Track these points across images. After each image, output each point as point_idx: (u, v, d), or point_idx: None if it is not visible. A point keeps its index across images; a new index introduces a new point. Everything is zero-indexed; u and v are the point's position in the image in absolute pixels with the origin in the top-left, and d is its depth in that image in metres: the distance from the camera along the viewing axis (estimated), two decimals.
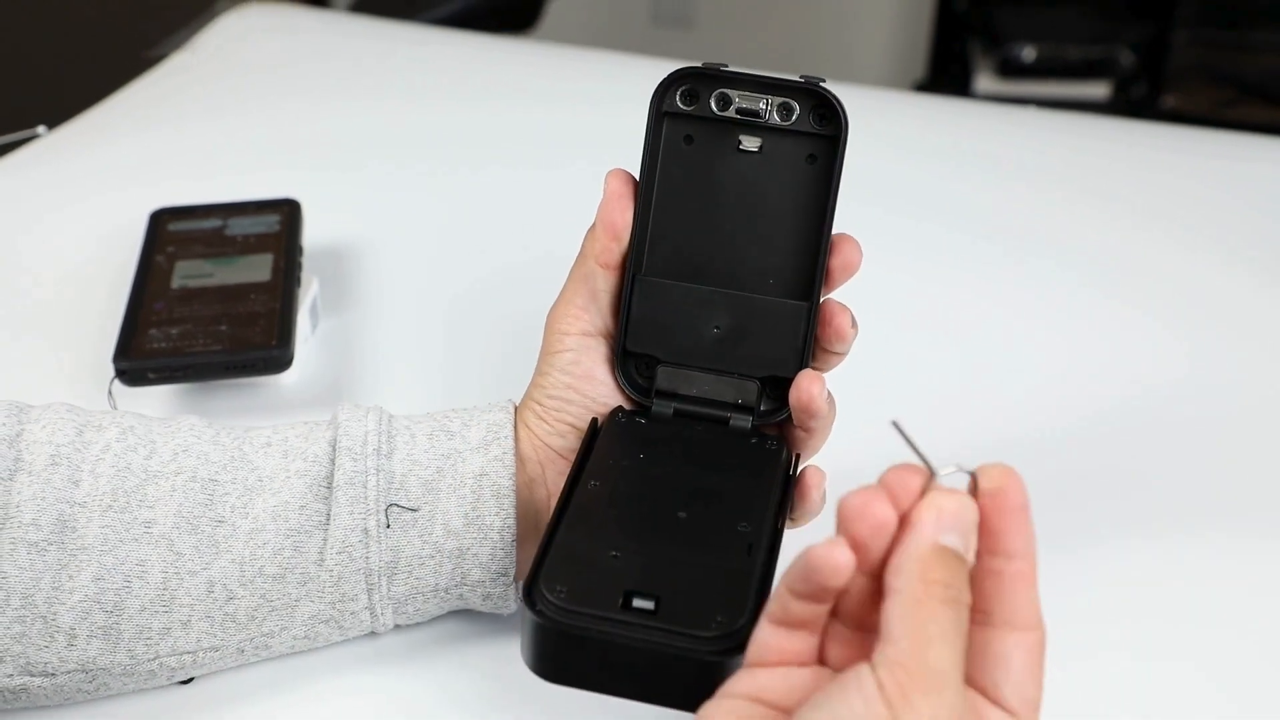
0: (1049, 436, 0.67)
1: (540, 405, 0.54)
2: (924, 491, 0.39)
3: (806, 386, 0.51)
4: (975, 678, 0.39)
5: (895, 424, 0.40)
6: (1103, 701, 0.53)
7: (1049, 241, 0.84)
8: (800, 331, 0.52)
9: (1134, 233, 0.85)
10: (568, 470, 0.52)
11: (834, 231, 0.52)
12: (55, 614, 0.48)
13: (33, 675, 0.49)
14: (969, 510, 0.39)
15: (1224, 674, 0.54)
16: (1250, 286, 0.80)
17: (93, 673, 0.49)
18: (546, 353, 0.54)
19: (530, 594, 0.44)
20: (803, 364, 0.52)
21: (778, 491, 0.50)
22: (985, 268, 0.82)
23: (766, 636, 0.40)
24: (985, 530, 0.39)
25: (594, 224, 0.53)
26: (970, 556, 0.39)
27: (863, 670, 0.36)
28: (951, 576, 0.38)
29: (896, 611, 0.37)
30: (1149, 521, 0.61)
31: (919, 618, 0.37)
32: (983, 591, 0.39)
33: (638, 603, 0.44)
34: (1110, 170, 0.93)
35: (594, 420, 0.53)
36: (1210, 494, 0.64)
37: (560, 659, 0.44)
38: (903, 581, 0.37)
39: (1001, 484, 0.39)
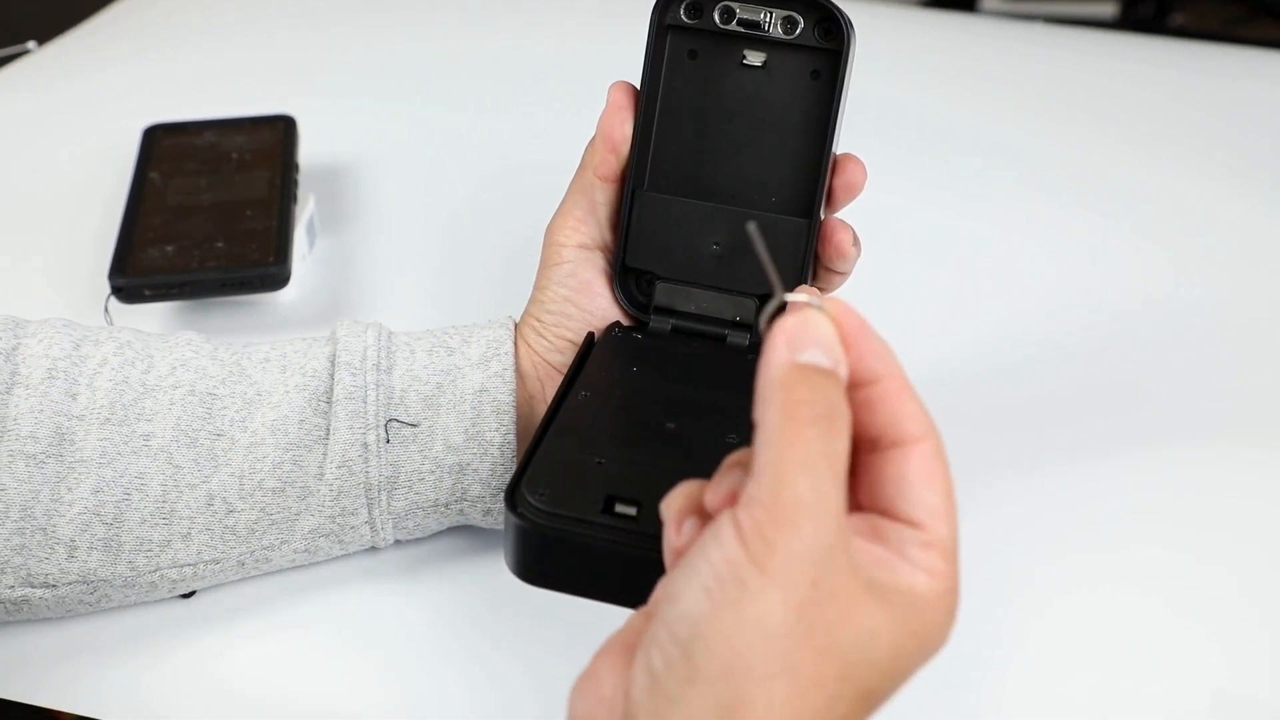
0: (1040, 354, 0.67)
1: (539, 321, 0.54)
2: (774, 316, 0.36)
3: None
4: (875, 502, 0.36)
5: (750, 229, 0.38)
6: (1098, 614, 0.53)
7: (1054, 161, 0.83)
8: (800, 249, 0.52)
9: (1140, 151, 0.84)
10: None
11: (840, 152, 0.51)
12: (55, 526, 0.48)
13: (34, 587, 0.49)
14: (821, 324, 0.36)
15: (1215, 586, 0.55)
16: (1256, 205, 0.79)
17: (93, 584, 0.50)
18: (545, 265, 0.54)
19: (512, 497, 0.44)
20: (802, 281, 0.52)
21: None
22: (989, 188, 0.81)
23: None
24: (847, 344, 0.36)
25: (594, 136, 0.52)
26: (841, 370, 0.36)
27: (723, 516, 0.34)
28: (815, 393, 0.34)
29: (760, 443, 0.34)
30: (1138, 436, 0.61)
31: (780, 447, 0.34)
32: (863, 424, 0.36)
33: (619, 508, 0.44)
34: (1117, 88, 0.92)
35: (590, 335, 0.53)
36: (1200, 408, 0.64)
37: (541, 562, 0.44)
38: (764, 411, 0.34)
39: (835, 312, 0.36)
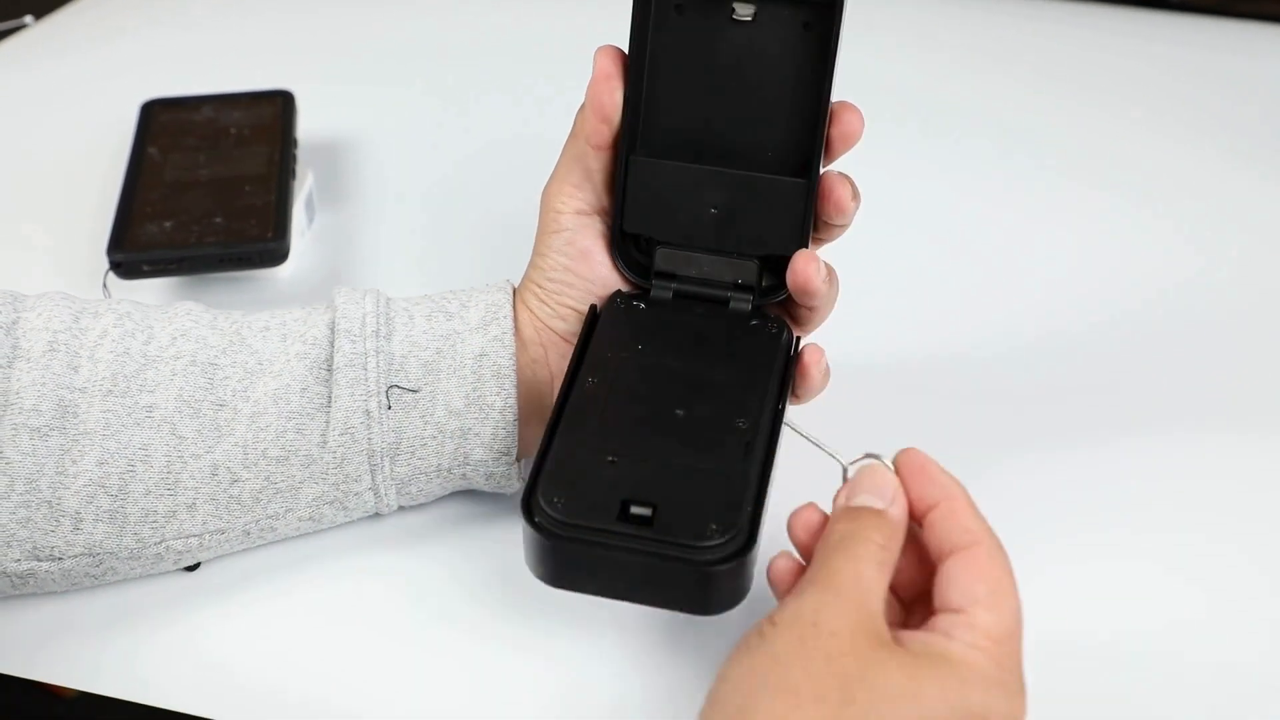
0: (1057, 339, 0.66)
1: (540, 288, 0.53)
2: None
3: (802, 268, 0.50)
4: (934, 602, 0.42)
5: (789, 424, 0.47)
6: (1127, 591, 0.54)
7: (1053, 138, 0.83)
8: (800, 209, 0.51)
9: (1140, 128, 0.84)
10: (569, 354, 0.52)
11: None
12: (60, 499, 0.48)
13: (40, 560, 0.49)
14: (873, 472, 0.45)
15: (1235, 566, 0.55)
16: (1260, 184, 0.79)
17: (99, 556, 0.50)
18: (543, 232, 0.53)
19: (529, 505, 0.44)
20: (803, 242, 0.51)
21: (776, 381, 0.49)
22: (987, 166, 0.80)
23: None
24: (909, 494, 0.44)
25: (584, 103, 0.52)
26: (894, 510, 0.44)
27: None
28: (856, 523, 0.43)
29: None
30: (1159, 422, 0.61)
31: (818, 559, 0.42)
32: (933, 542, 0.43)
33: (635, 510, 0.44)
34: (1116, 63, 0.92)
35: (593, 307, 0.52)
36: (1220, 394, 0.63)
37: (561, 569, 0.45)
38: (821, 544, 0.43)
39: (901, 459, 0.45)
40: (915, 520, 0.44)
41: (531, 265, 0.54)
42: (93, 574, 0.51)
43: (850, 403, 0.55)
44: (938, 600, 0.42)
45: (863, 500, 0.44)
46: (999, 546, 0.43)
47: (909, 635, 0.41)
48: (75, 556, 0.49)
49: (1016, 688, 0.40)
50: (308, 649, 0.52)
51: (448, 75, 0.88)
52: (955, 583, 0.42)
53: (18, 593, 0.51)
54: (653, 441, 0.46)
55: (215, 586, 0.53)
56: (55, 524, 0.49)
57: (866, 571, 0.41)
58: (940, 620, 0.41)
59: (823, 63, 0.49)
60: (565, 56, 0.83)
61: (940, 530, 0.43)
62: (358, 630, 0.52)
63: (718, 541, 0.43)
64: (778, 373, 0.49)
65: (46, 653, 0.51)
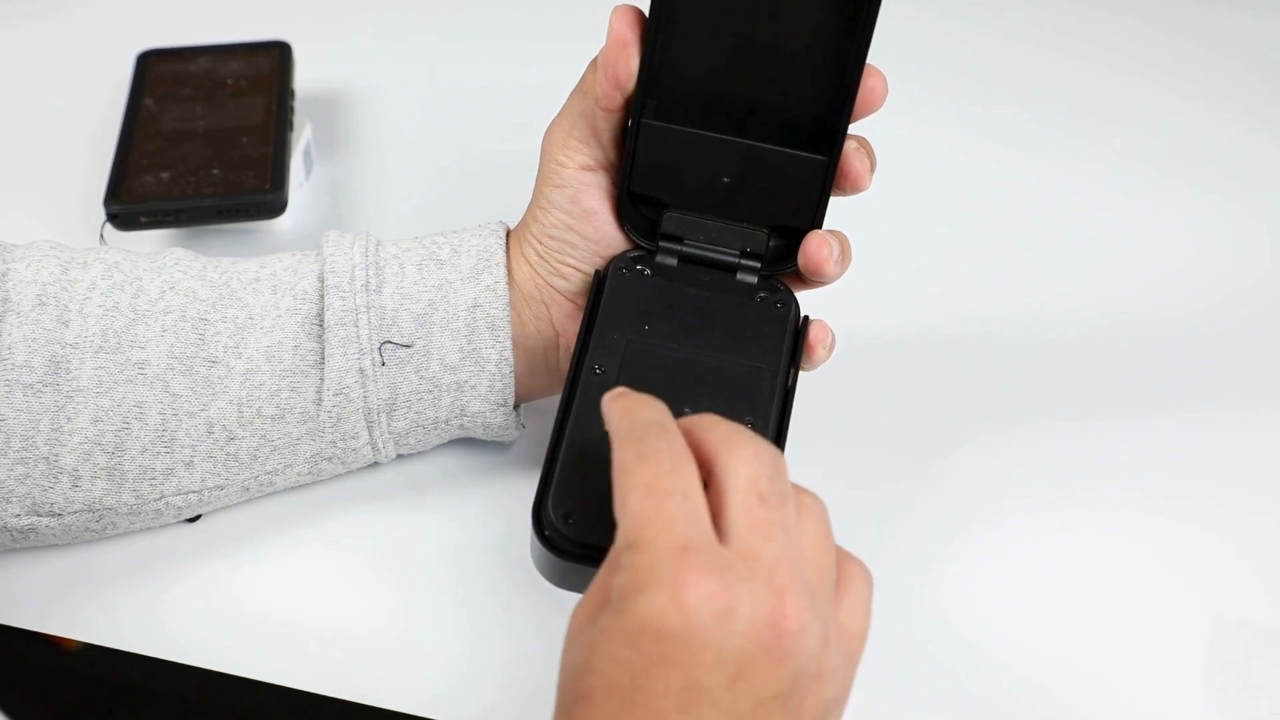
0: (1076, 320, 0.65)
1: (540, 244, 0.52)
2: None
3: (814, 250, 0.49)
4: None
5: None
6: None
7: (1107, 117, 0.79)
8: (817, 187, 0.49)
9: (1176, 98, 0.80)
10: (573, 311, 0.51)
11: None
12: (57, 456, 0.48)
13: (40, 515, 0.49)
14: None
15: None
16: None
17: (99, 512, 0.50)
18: (544, 183, 0.51)
19: (538, 516, 0.44)
20: (817, 221, 0.49)
21: (784, 367, 0.48)
22: (1041, 145, 0.77)
23: None
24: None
25: (596, 59, 0.49)
26: None
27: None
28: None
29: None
30: (1227, 423, 0.61)
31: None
32: None
33: None
34: (1166, 39, 0.87)
35: (597, 274, 0.51)
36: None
37: (568, 579, 0.44)
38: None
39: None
40: None
41: (530, 215, 0.52)
42: (93, 528, 0.51)
43: (857, 376, 0.54)
44: None
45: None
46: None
47: None
48: (75, 512, 0.49)
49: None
50: (312, 600, 0.52)
51: (446, 25, 0.87)
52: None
53: (18, 547, 0.51)
54: None
55: (218, 538, 0.53)
56: (54, 481, 0.49)
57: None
58: None
59: (855, 33, 0.46)
60: (569, 4, 0.82)
61: None
62: (361, 581, 0.53)
63: None
64: (786, 356, 0.48)
65: (51, 605, 0.52)
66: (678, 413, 0.45)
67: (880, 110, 0.48)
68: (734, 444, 0.38)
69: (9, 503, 0.49)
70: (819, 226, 0.50)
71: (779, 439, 0.46)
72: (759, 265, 0.51)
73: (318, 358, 0.51)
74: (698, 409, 0.45)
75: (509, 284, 0.52)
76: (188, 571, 0.52)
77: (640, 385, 0.46)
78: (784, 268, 0.51)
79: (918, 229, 0.70)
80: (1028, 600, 0.53)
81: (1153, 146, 0.76)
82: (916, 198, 0.71)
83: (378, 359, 0.51)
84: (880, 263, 0.59)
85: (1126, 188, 0.74)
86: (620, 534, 0.37)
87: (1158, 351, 0.64)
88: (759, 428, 0.46)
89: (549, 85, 0.56)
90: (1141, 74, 0.82)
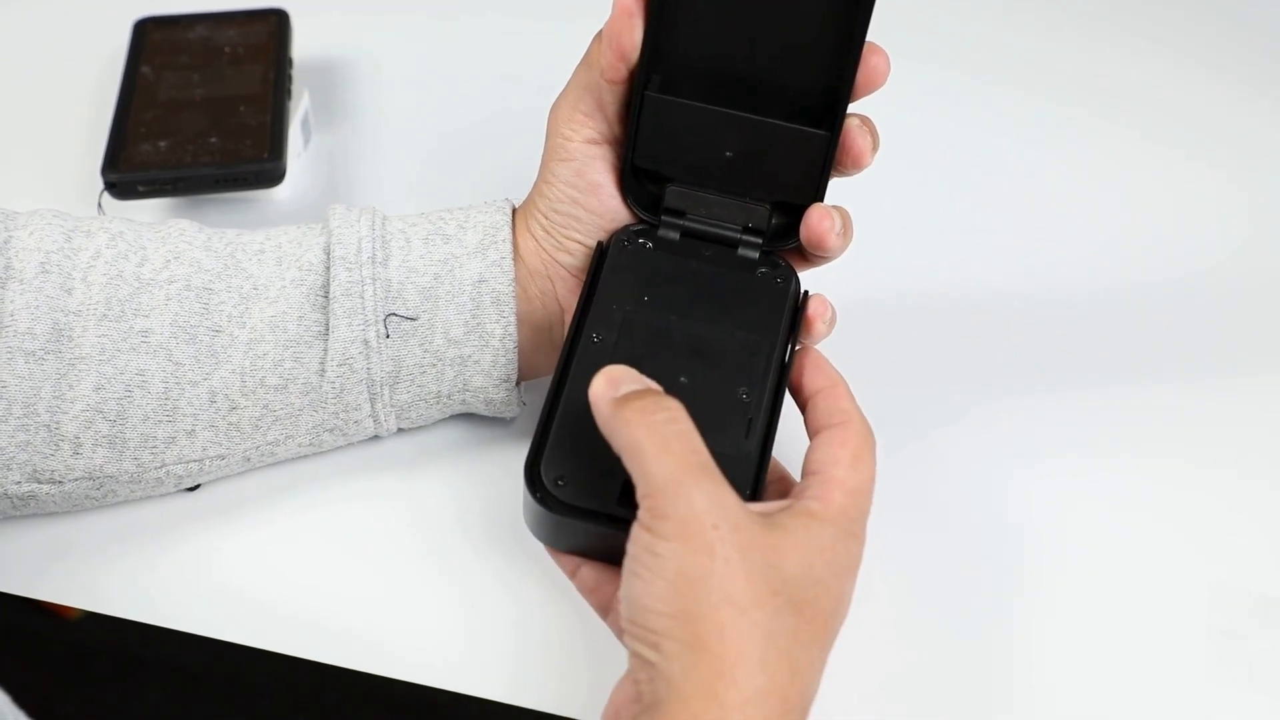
0: (1096, 309, 0.65)
1: (545, 218, 0.52)
2: None
3: (816, 223, 0.49)
4: (802, 469, 0.45)
5: None
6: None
7: (1103, 89, 0.79)
8: (819, 162, 0.49)
9: (1181, 73, 0.80)
10: (578, 286, 0.51)
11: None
12: (59, 423, 0.48)
13: (40, 482, 0.49)
14: (615, 371, 0.43)
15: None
16: None
17: (99, 480, 0.50)
18: (550, 158, 0.51)
19: (532, 476, 0.44)
20: (819, 195, 0.50)
21: (781, 341, 0.48)
22: (1037, 116, 0.77)
23: None
24: (803, 382, 0.47)
25: (601, 31, 0.49)
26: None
27: (634, 526, 0.40)
28: (638, 402, 0.42)
29: (625, 461, 0.41)
30: (1217, 389, 0.61)
31: (635, 453, 0.41)
32: (811, 418, 0.46)
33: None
34: (1165, 10, 0.86)
35: (599, 246, 0.51)
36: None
37: (560, 538, 0.46)
38: (615, 442, 0.42)
39: (801, 352, 0.48)
40: (801, 403, 0.47)
41: (537, 190, 0.52)
42: (94, 496, 0.51)
43: (854, 348, 0.54)
44: (805, 466, 0.44)
45: (627, 387, 0.43)
46: (867, 427, 0.45)
47: (774, 509, 0.42)
48: (75, 480, 0.49)
49: (858, 534, 0.43)
50: (310, 569, 0.52)
51: None
52: (822, 450, 0.44)
53: (19, 514, 0.51)
54: None
55: (218, 507, 0.53)
56: (55, 448, 0.49)
57: (695, 454, 0.41)
58: (800, 485, 0.44)
59: (858, 6, 0.46)
60: None
61: (820, 410, 0.46)
62: (359, 551, 0.53)
63: None
64: (784, 330, 0.49)
65: (51, 573, 0.52)
66: (672, 381, 0.46)
67: (862, 99, 0.48)
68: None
69: (9, 469, 0.49)
70: (820, 201, 0.50)
71: (774, 411, 0.46)
72: (760, 241, 0.51)
73: (322, 329, 0.51)
74: (693, 379, 0.46)
75: (515, 259, 0.52)
76: (185, 539, 0.53)
77: (637, 354, 0.47)
78: (785, 244, 0.51)
79: (913, 202, 0.70)
80: (1027, 566, 0.53)
81: (1151, 118, 0.76)
82: (912, 171, 0.71)
83: (382, 331, 0.51)
84: (876, 235, 0.59)
85: (1124, 159, 0.74)
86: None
87: (1156, 318, 0.64)
88: (754, 399, 0.46)
89: (549, 54, 0.56)
90: (1140, 46, 0.82)
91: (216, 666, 0.50)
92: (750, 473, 0.45)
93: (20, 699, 0.41)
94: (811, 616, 0.40)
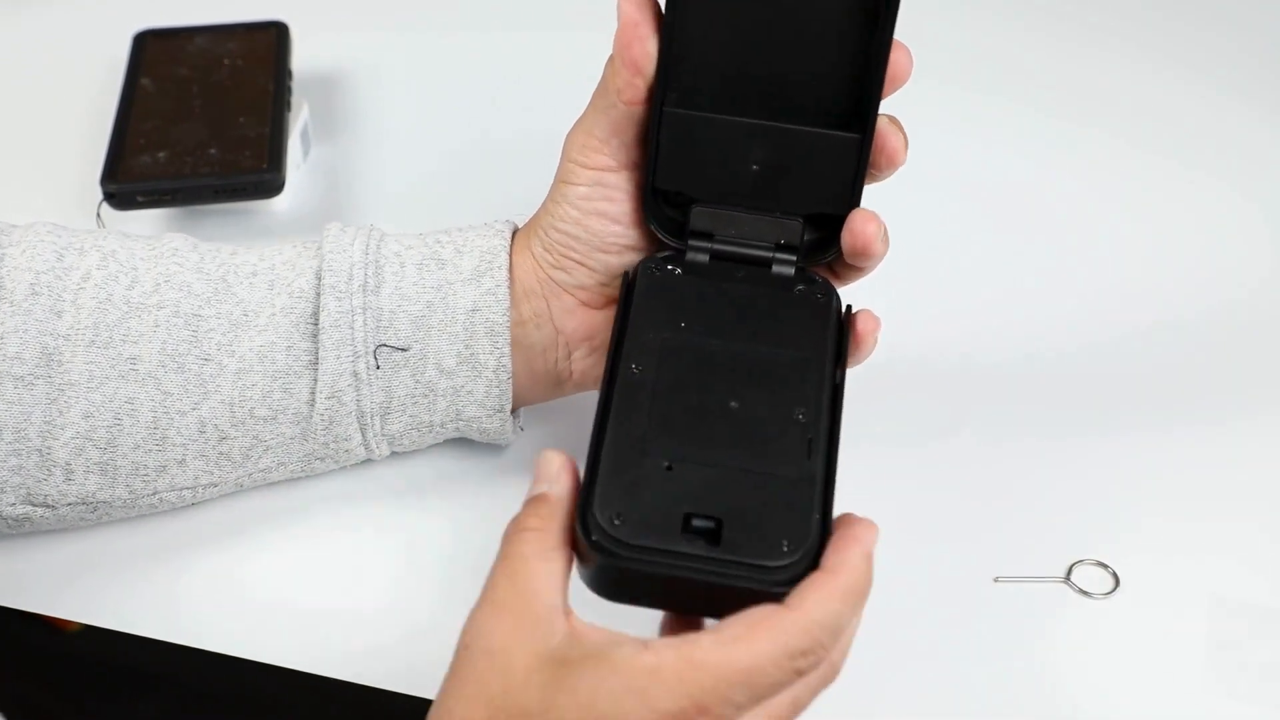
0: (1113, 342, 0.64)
1: (546, 235, 0.51)
2: None
3: (860, 229, 0.47)
4: None
5: None
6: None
7: (1113, 105, 0.78)
8: (852, 166, 0.47)
9: (1199, 91, 0.79)
10: (574, 306, 0.51)
11: None
12: (50, 449, 0.48)
13: (34, 506, 0.49)
14: (540, 462, 0.42)
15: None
16: None
17: (93, 505, 0.50)
18: (559, 180, 0.50)
19: (584, 521, 0.40)
20: (855, 201, 0.47)
21: (830, 358, 0.46)
22: (1044, 132, 0.76)
23: None
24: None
25: (613, 55, 0.47)
26: (555, 489, 0.41)
27: None
28: (512, 525, 0.41)
29: None
30: (1216, 399, 0.60)
31: None
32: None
33: (698, 523, 0.40)
34: (1166, 22, 0.86)
35: (625, 276, 0.49)
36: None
37: (623, 589, 0.41)
38: None
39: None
40: None
41: (544, 208, 0.51)
42: (89, 519, 0.51)
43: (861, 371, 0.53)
44: None
45: (530, 492, 0.41)
46: (823, 605, 0.38)
47: (590, 634, 0.39)
48: (70, 505, 0.49)
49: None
50: (308, 582, 0.52)
51: (444, 4, 0.87)
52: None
53: (14, 534, 0.51)
54: (710, 441, 0.43)
55: (219, 520, 0.53)
56: (47, 473, 0.49)
57: (524, 576, 0.39)
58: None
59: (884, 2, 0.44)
60: None
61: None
62: (357, 565, 0.53)
63: (789, 561, 0.40)
64: (831, 347, 0.46)
65: (49, 587, 0.52)
66: (723, 407, 0.43)
67: (884, 99, 0.47)
68: (824, 611, 0.38)
69: (3, 492, 0.48)
70: (857, 206, 0.48)
71: (832, 432, 0.44)
72: (795, 257, 0.48)
73: (312, 358, 0.50)
74: (744, 403, 0.44)
75: (510, 280, 0.51)
76: (184, 556, 0.52)
77: (680, 382, 0.44)
78: (823, 257, 0.49)
79: (921, 220, 0.69)
80: (1028, 586, 0.53)
81: (1159, 133, 0.76)
82: (920, 187, 0.70)
83: (372, 362, 0.50)
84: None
85: (1133, 176, 0.73)
86: None
87: (1160, 343, 0.64)
88: (810, 418, 0.43)
89: (549, 67, 0.56)
90: (1148, 60, 0.82)
91: (215, 679, 0.50)
92: (817, 495, 0.41)
93: (19, 711, 0.41)
94: None
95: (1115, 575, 0.52)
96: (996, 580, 0.52)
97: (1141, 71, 0.80)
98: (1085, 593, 0.52)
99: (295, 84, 0.72)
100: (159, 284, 0.50)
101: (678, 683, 0.36)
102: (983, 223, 0.70)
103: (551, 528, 0.40)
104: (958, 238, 0.69)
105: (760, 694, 0.37)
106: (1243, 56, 0.82)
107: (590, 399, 0.46)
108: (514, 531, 0.40)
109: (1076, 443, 0.58)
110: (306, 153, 0.72)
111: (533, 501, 0.41)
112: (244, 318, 0.50)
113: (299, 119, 0.70)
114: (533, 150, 0.54)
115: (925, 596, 0.52)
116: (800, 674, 0.38)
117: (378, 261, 0.51)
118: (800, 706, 0.39)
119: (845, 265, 0.49)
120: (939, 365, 0.62)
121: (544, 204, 0.51)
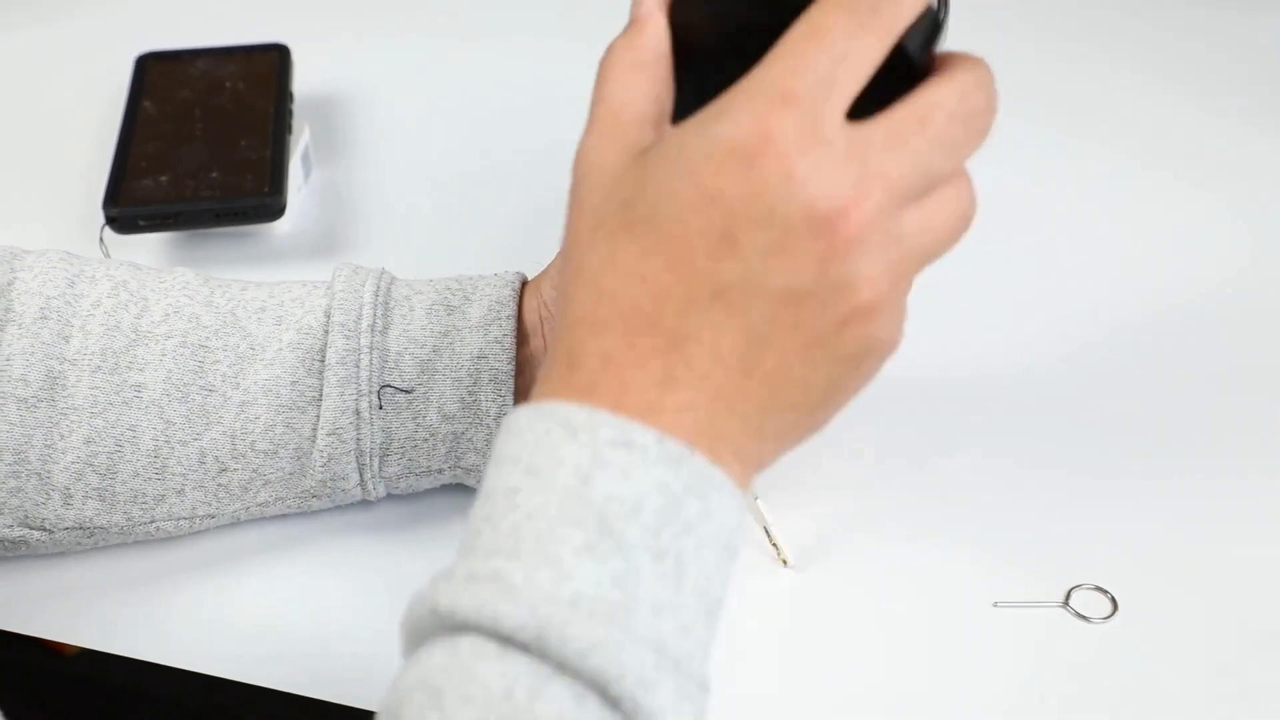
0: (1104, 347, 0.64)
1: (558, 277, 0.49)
2: None
3: None
4: None
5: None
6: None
7: (1105, 118, 0.78)
8: None
9: (1184, 102, 0.79)
10: None
11: None
12: (49, 472, 0.48)
13: (31, 529, 0.49)
14: None
15: None
16: None
17: (90, 530, 0.50)
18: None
19: None
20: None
21: None
22: (1038, 144, 0.75)
23: None
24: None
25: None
26: (641, 9, 0.40)
27: None
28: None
29: None
30: (1214, 414, 0.60)
31: None
32: None
33: None
34: (1154, 34, 0.86)
35: None
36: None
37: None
38: None
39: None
40: None
41: (556, 259, 0.50)
42: (85, 544, 0.51)
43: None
44: None
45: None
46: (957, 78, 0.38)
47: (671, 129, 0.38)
48: (66, 529, 0.50)
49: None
50: (306, 604, 0.52)
51: (444, 28, 0.87)
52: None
53: (10, 556, 0.51)
54: None
55: (214, 546, 0.53)
56: (45, 496, 0.49)
57: (612, 89, 0.39)
58: None
59: None
60: (572, 6, 0.82)
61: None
62: (354, 588, 0.52)
63: None
64: None
65: (47, 609, 0.52)
66: None
67: None
68: (963, 67, 0.37)
69: (1, 514, 0.49)
70: None
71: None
72: None
73: (316, 394, 0.50)
74: None
75: (519, 322, 0.51)
76: (183, 580, 0.52)
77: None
78: None
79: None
80: (1026, 610, 0.52)
81: (1151, 146, 0.76)
82: None
83: (375, 402, 0.50)
84: None
85: (1124, 187, 0.73)
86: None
87: (1158, 365, 0.63)
88: None
89: (550, 89, 0.56)
90: (1139, 72, 0.82)
91: (211, 703, 0.50)
92: None
93: None
94: (644, 232, 0.36)
95: (1114, 600, 0.52)
96: (996, 605, 0.52)
97: (1133, 84, 0.81)
98: (1084, 617, 0.52)
99: (296, 107, 0.72)
100: (168, 314, 0.50)
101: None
102: (976, 232, 0.70)
103: (638, 43, 0.39)
104: (951, 255, 0.69)
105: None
106: (1235, 69, 0.82)
107: None
108: (605, 51, 0.40)
109: (1074, 465, 0.58)
110: (308, 175, 0.72)
111: (626, 27, 0.40)
112: (251, 351, 0.50)
113: (300, 142, 0.71)
114: (533, 171, 0.54)
115: (926, 621, 0.52)
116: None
117: (387, 303, 0.51)
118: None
119: None
120: (934, 388, 0.62)
121: (558, 254, 0.50)
